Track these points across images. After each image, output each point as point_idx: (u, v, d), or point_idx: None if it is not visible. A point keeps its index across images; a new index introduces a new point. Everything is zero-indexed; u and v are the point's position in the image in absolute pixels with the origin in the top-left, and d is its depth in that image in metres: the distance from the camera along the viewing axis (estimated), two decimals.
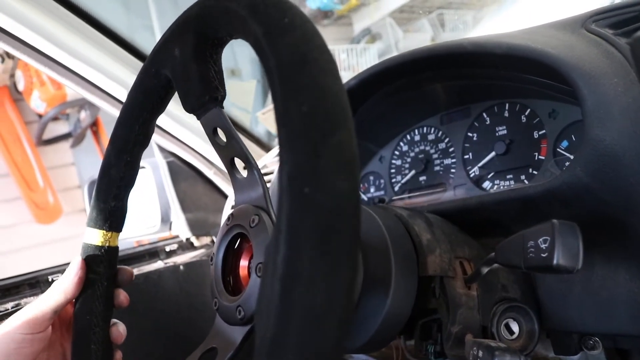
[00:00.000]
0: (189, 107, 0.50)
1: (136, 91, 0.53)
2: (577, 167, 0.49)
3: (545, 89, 0.62)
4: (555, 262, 0.40)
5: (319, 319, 0.26)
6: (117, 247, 0.57)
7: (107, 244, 0.56)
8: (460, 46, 0.61)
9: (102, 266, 0.55)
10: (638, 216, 0.49)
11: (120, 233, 0.58)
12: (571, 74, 0.50)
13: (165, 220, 1.21)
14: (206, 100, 0.48)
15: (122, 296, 0.59)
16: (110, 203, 0.55)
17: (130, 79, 1.00)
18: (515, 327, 0.55)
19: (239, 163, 0.52)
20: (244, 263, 0.51)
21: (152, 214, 1.21)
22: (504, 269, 0.57)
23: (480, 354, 0.44)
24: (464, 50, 0.61)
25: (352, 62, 3.23)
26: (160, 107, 0.54)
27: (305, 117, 0.29)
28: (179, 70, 0.48)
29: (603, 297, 0.54)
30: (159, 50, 0.50)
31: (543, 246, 0.41)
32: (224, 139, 0.51)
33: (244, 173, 0.51)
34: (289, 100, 0.30)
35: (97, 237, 0.55)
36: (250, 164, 0.49)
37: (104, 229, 0.55)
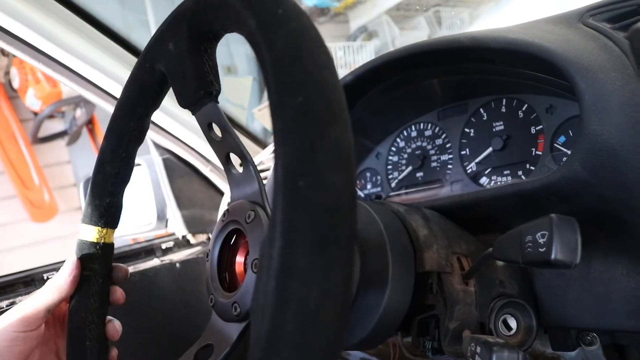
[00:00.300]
0: (183, 103, 0.49)
1: (131, 86, 0.53)
2: (575, 161, 0.49)
3: (543, 84, 0.62)
4: (553, 256, 0.39)
5: (315, 316, 0.25)
6: (112, 244, 0.57)
7: (102, 241, 0.55)
8: (457, 41, 0.61)
9: (97, 263, 0.55)
10: (636, 212, 0.49)
11: (116, 230, 0.57)
12: (568, 68, 0.50)
13: (161, 218, 1.21)
14: (201, 95, 0.47)
15: (119, 293, 0.58)
16: (105, 199, 0.54)
17: (126, 75, 0.99)
18: (513, 323, 0.55)
19: (234, 159, 0.51)
20: (239, 259, 0.51)
21: (147, 212, 1.20)
22: (502, 264, 0.57)
23: (479, 349, 0.44)
24: (461, 45, 0.61)
25: (348, 59, 3.23)
26: (155, 103, 0.54)
27: (300, 110, 0.28)
28: (174, 65, 0.47)
29: (600, 293, 0.54)
30: (153, 45, 0.49)
31: (541, 241, 0.40)
32: (219, 134, 0.50)
33: (240, 169, 0.51)
34: (284, 93, 0.29)
35: (92, 233, 0.55)
36: (245, 159, 0.49)
37: (99, 226, 0.55)
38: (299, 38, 0.31)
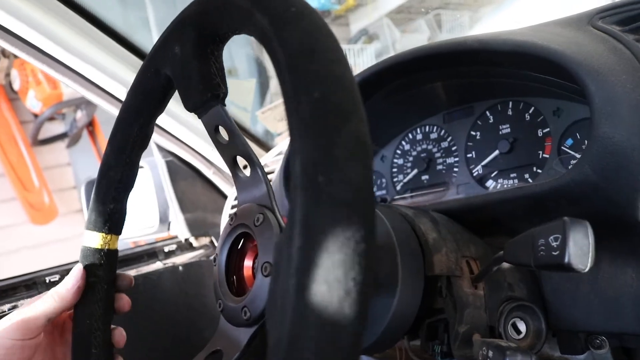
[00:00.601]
0: (190, 106, 0.49)
1: (135, 91, 0.52)
2: (585, 164, 0.49)
3: (550, 87, 0.62)
4: (566, 260, 0.39)
5: (338, 315, 0.25)
6: (116, 250, 0.57)
7: (106, 247, 0.55)
8: (464, 44, 0.61)
9: (101, 269, 0.55)
10: None
11: (120, 236, 0.57)
12: (578, 71, 0.50)
13: (164, 221, 1.20)
14: (208, 98, 0.47)
15: (125, 300, 0.58)
16: (109, 205, 0.54)
17: (128, 76, 0.99)
18: (522, 327, 0.54)
19: (240, 162, 0.51)
20: (248, 263, 0.51)
21: (150, 214, 1.20)
22: (510, 267, 0.56)
23: (491, 354, 0.43)
24: (468, 48, 0.60)
25: (349, 62, 3.23)
26: (160, 108, 0.54)
27: (317, 104, 0.28)
28: (180, 68, 0.47)
29: (609, 296, 0.53)
30: (158, 48, 0.49)
31: (554, 244, 0.40)
32: (226, 138, 0.50)
33: (246, 172, 0.51)
34: (299, 89, 0.29)
35: (96, 240, 0.54)
36: (253, 162, 0.49)
37: (103, 232, 0.55)
38: (312, 35, 0.31)
